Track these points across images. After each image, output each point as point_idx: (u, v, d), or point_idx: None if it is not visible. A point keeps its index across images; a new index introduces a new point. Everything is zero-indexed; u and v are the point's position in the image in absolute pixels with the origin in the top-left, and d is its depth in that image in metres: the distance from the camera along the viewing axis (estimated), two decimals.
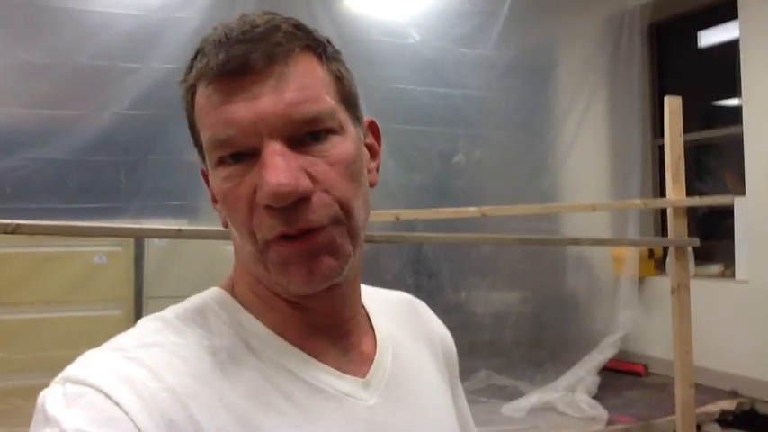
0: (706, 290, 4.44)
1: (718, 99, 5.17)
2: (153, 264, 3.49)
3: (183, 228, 2.35)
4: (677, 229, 3.17)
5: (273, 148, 0.61)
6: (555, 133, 4.67)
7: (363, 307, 0.80)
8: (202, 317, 0.68)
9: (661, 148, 3.33)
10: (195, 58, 0.66)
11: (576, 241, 2.76)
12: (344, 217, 0.65)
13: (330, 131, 0.65)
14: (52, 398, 0.57)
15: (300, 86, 0.63)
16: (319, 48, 0.68)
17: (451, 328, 3.39)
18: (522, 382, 4.24)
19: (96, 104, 3.35)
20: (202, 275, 2.89)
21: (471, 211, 2.68)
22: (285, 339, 0.69)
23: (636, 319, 4.51)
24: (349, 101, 0.70)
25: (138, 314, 3.34)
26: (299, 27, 0.66)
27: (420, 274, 4.13)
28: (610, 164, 4.99)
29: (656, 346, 4.65)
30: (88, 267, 3.39)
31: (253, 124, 0.61)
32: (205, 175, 0.72)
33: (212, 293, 0.72)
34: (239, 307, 0.70)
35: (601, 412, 3.81)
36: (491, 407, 3.99)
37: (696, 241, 3.22)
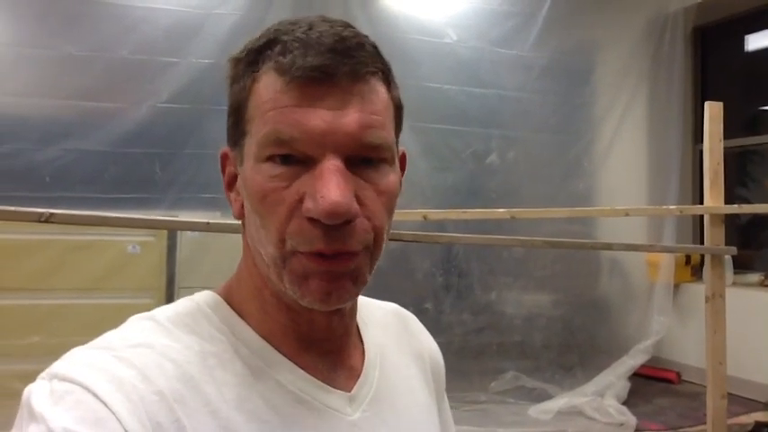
0: (744, 299, 4.35)
1: (763, 104, 5.04)
2: (185, 254, 3.54)
3: (211, 221, 2.39)
4: (714, 236, 3.10)
5: (334, 164, 0.60)
6: (592, 136, 4.61)
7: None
8: (194, 320, 0.67)
9: (702, 153, 3.26)
10: (268, 46, 0.63)
11: (608, 246, 2.71)
12: (374, 246, 0.65)
13: (384, 161, 0.65)
14: (38, 394, 0.56)
15: (373, 111, 0.63)
16: (389, 75, 0.68)
17: (480, 329, 3.39)
18: (550, 385, 4.20)
19: (134, 97, 3.42)
20: (233, 267, 2.91)
21: (500, 212, 2.66)
22: (275, 349, 0.68)
23: (669, 325, 4.43)
24: (399, 129, 0.70)
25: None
26: (376, 48, 0.66)
27: (450, 274, 4.12)
28: (648, 168, 4.90)
29: (690, 353, 4.56)
30: (122, 256, 3.45)
31: (321, 135, 0.60)
32: (224, 158, 0.71)
33: (205, 297, 0.71)
34: (232, 312, 0.69)
35: (629, 418, 3.76)
36: (518, 408, 3.98)
37: (733, 250, 3.15)
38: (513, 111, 4.18)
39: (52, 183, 3.25)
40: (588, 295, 4.76)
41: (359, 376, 0.73)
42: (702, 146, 3.13)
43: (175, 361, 0.62)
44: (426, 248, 3.97)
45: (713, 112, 3.15)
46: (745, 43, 5.02)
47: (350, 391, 0.71)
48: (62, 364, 0.59)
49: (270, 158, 0.62)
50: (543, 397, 4.08)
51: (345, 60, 0.61)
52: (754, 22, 4.83)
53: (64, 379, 0.57)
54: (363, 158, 0.62)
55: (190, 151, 3.45)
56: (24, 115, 3.34)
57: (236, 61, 0.67)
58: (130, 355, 0.60)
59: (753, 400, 4.12)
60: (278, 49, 0.62)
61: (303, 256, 0.61)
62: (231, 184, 0.71)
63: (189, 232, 3.47)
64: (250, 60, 0.65)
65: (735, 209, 3.20)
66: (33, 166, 3.24)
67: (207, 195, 3.50)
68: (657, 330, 4.37)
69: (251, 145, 0.63)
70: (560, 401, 3.96)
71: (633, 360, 4.26)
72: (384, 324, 0.84)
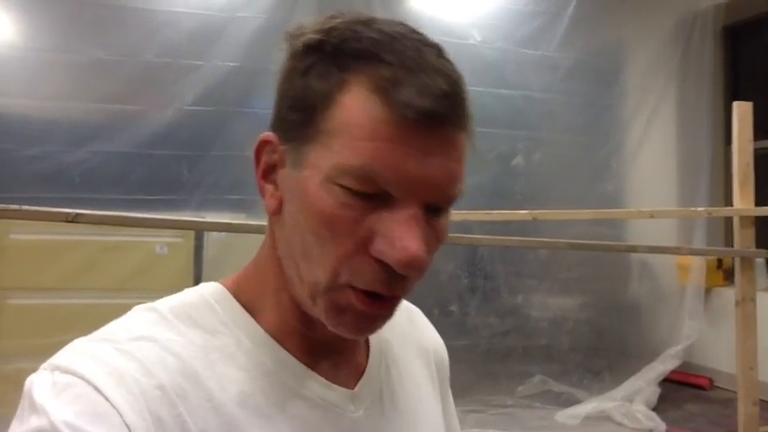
0: None
1: None
2: (212, 255, 3.58)
3: (233, 221, 2.42)
4: (744, 239, 3.04)
5: (417, 212, 0.58)
6: (620, 137, 4.56)
7: None
8: (198, 313, 0.66)
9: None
10: (364, 54, 0.58)
11: (632, 248, 2.67)
12: (416, 285, 0.63)
13: (448, 210, 0.63)
14: (40, 386, 0.56)
15: (460, 161, 0.60)
16: (473, 123, 0.64)
17: (506, 332, 3.37)
18: (578, 389, 4.15)
19: (160, 100, 3.48)
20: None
21: (523, 213, 2.63)
22: (279, 344, 0.67)
23: (701, 330, 4.35)
24: None
25: None
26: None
27: (475, 276, 4.10)
28: (678, 170, 4.82)
29: (723, 359, 4.47)
30: (150, 257, 3.50)
31: (417, 183, 0.57)
32: (265, 144, 0.65)
33: (211, 289, 0.69)
34: (238, 306, 0.68)
35: (658, 424, 3.70)
36: (545, 413, 3.93)
37: (764, 253, 3.09)
38: (538, 112, 4.15)
39: (81, 184, 3.32)
40: (617, 299, 4.70)
41: (362, 373, 0.73)
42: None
43: (178, 355, 0.61)
44: (451, 250, 3.95)
45: (742, 112, 3.10)
46: None
47: (353, 389, 0.70)
48: (64, 356, 0.58)
49: (344, 186, 0.58)
50: (571, 402, 4.03)
51: (456, 110, 0.58)
52: None
53: (66, 371, 0.56)
54: (436, 207, 0.60)
55: (215, 153, 3.50)
56: (54, 118, 3.42)
57: (310, 49, 0.61)
58: (133, 348, 0.59)
59: None
60: (384, 70, 0.57)
61: (354, 292, 0.60)
62: (268, 174, 0.66)
63: (215, 234, 3.51)
64: (336, 57, 0.59)
65: (766, 210, 3.13)
66: (63, 168, 3.31)
67: (233, 197, 3.54)
68: (688, 335, 4.28)
69: (323, 159, 0.59)
70: (588, 406, 3.91)
71: (663, 365, 4.18)
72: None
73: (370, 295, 0.60)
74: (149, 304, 0.66)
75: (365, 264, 0.58)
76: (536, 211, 2.63)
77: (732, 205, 3.06)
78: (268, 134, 0.65)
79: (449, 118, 0.57)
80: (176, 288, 0.68)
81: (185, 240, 3.56)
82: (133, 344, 0.60)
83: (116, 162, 3.39)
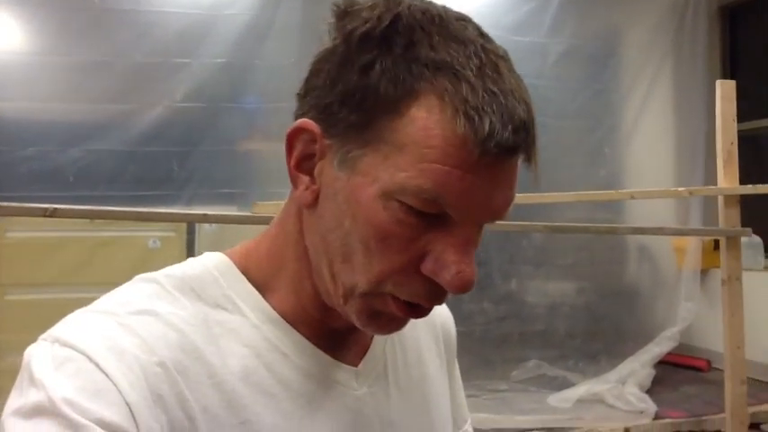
0: None
1: None
2: (203, 248, 3.62)
3: (208, 213, 2.48)
4: (729, 218, 3.04)
5: (474, 235, 0.57)
6: (614, 121, 4.54)
7: None
8: (200, 285, 0.64)
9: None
10: (442, 66, 0.55)
11: (612, 229, 2.68)
12: None
13: None
14: (39, 358, 0.55)
15: (516, 190, 0.59)
16: None
17: (502, 318, 3.42)
18: (573, 373, 4.18)
19: (150, 99, 3.56)
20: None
21: None
22: (285, 319, 0.65)
23: (699, 312, 4.33)
24: None
25: None
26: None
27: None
28: (674, 151, 4.79)
29: (720, 341, 4.44)
30: (143, 251, 3.59)
31: (478, 210, 0.56)
32: (303, 131, 0.60)
33: (215, 260, 0.67)
34: (243, 279, 0.66)
35: (650, 405, 3.71)
36: (539, 397, 3.97)
37: (748, 231, 3.08)
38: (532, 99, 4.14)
39: (75, 183, 3.42)
40: (614, 282, 4.70)
41: (367, 350, 0.72)
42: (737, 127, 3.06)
43: (180, 330, 0.60)
44: None
45: (725, 90, 3.09)
46: None
47: (357, 366, 0.69)
48: (64, 328, 0.58)
49: (403, 203, 0.55)
50: (565, 385, 4.06)
51: (531, 141, 0.56)
52: None
53: (66, 344, 0.55)
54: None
55: (205, 148, 3.57)
56: (48, 119, 3.53)
57: (381, 43, 0.56)
58: (133, 322, 0.58)
59: None
60: (464, 89, 0.53)
61: (393, 300, 0.59)
62: (304, 163, 0.62)
63: (206, 226, 3.59)
64: (407, 62, 0.55)
65: (750, 189, 3.12)
66: (58, 167, 3.41)
67: (224, 191, 3.62)
68: (684, 317, 4.27)
69: (384, 173, 0.56)
70: (581, 389, 3.93)
71: (659, 347, 4.19)
72: None
73: (410, 305, 0.59)
74: (150, 274, 0.65)
75: (413, 279, 0.58)
76: (516, 195, 2.64)
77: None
78: (308, 122, 0.60)
79: (523, 149, 0.56)
80: None
81: (177, 234, 3.64)
82: (134, 318, 0.59)
83: (109, 160, 3.48)
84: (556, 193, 2.88)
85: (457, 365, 0.89)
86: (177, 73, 3.54)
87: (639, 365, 4.09)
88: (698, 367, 4.54)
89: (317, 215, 0.61)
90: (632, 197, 2.88)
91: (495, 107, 0.53)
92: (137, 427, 0.53)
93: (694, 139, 4.49)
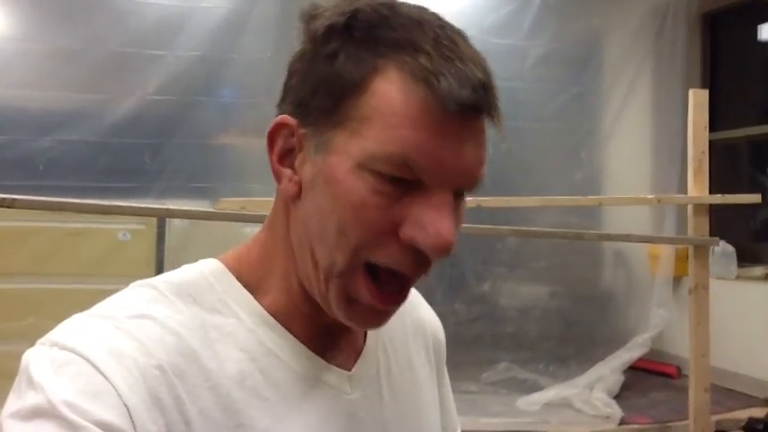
0: (749, 293, 4.25)
1: None
2: (174, 242, 3.63)
3: (170, 207, 2.47)
4: (697, 227, 3.05)
5: (449, 198, 0.59)
6: (592, 124, 4.55)
7: None
8: (197, 290, 0.65)
9: (711, 142, 3.20)
10: (401, 43, 0.58)
11: (579, 235, 2.68)
12: None
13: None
14: (38, 361, 0.55)
15: (485, 148, 0.61)
16: None
17: (473, 320, 3.40)
18: (543, 376, 4.19)
19: (124, 89, 3.54)
20: (218, 254, 3.00)
21: (467, 200, 2.64)
22: (279, 323, 0.66)
23: (669, 318, 4.35)
24: None
25: None
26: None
27: (441, 263, 4.12)
28: (652, 157, 4.79)
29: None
30: (113, 243, 3.57)
31: (453, 172, 0.58)
32: (282, 126, 0.64)
33: (210, 266, 0.68)
34: (237, 284, 0.67)
35: (616, 411, 3.73)
36: (508, 399, 3.97)
37: (716, 240, 3.10)
38: (507, 100, 4.08)
39: (46, 172, 3.39)
40: (587, 287, 4.71)
41: (360, 354, 0.72)
42: (715, 135, 3.07)
43: (177, 333, 0.60)
44: None
45: (698, 99, 3.09)
46: (759, 32, 4.86)
47: (350, 370, 0.70)
48: (63, 332, 0.58)
49: (376, 172, 0.58)
50: (535, 388, 4.06)
51: (491, 99, 0.59)
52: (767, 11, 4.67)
53: (64, 348, 0.56)
54: (460, 192, 0.61)
55: (177, 141, 3.55)
56: (20, 107, 3.50)
57: (334, 30, 0.60)
58: (132, 326, 0.59)
59: (753, 396, 4.03)
60: (423, 59, 0.57)
61: (366, 281, 0.60)
62: (284, 157, 0.65)
63: (177, 221, 3.58)
64: (367, 41, 0.59)
65: (718, 198, 3.13)
66: (28, 156, 3.39)
67: (196, 185, 3.60)
68: (656, 324, 4.28)
69: (354, 146, 0.58)
70: (549, 393, 3.94)
71: (629, 353, 4.20)
72: None
73: (392, 275, 0.60)
74: (148, 280, 0.66)
75: (391, 245, 0.59)
76: (480, 198, 2.65)
77: (710, 192, 3.05)
78: (285, 117, 0.63)
79: (485, 108, 0.58)
80: (139, 274, 0.68)
81: (148, 228, 3.62)
82: (132, 322, 0.59)
83: (80, 150, 3.46)
84: (523, 198, 2.88)
85: (446, 373, 0.90)
86: (152, 64, 3.51)
87: (609, 371, 4.10)
88: (668, 374, 4.56)
89: (301, 206, 0.63)
90: (600, 204, 2.89)
91: (452, 71, 0.56)
92: (135, 428, 0.53)
93: (671, 145, 4.50)
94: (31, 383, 0.54)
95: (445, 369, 0.90)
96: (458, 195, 0.61)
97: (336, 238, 0.60)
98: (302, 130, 0.62)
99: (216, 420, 0.59)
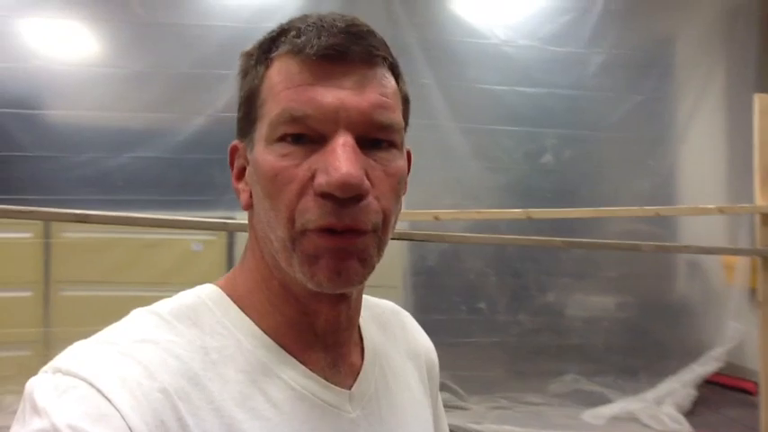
0: None
1: None
2: (241, 252, 3.78)
3: (228, 221, 2.60)
4: (765, 237, 2.94)
5: (347, 139, 0.61)
6: (658, 132, 4.41)
7: None
8: (196, 314, 0.67)
9: None
10: (282, 34, 0.66)
11: (635, 247, 2.62)
12: (382, 228, 0.65)
13: (393, 145, 0.66)
14: (42, 388, 0.56)
15: (384, 94, 0.65)
16: (397, 68, 0.70)
17: (538, 330, 3.40)
18: (611, 389, 4.08)
19: (194, 108, 3.74)
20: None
21: (516, 212, 2.66)
22: (278, 344, 0.68)
23: (746, 332, 4.15)
24: (406, 123, 0.71)
25: None
26: (385, 42, 0.68)
27: (504, 274, 4.12)
28: (726, 165, 4.60)
29: None
30: (186, 253, 3.77)
31: (334, 111, 0.61)
32: (234, 151, 0.72)
33: (207, 291, 0.71)
34: (235, 307, 0.69)
35: (684, 427, 3.60)
36: (573, 412, 3.90)
37: None
38: (567, 109, 4.11)
39: (123, 187, 3.64)
40: (658, 298, 4.56)
41: (358, 373, 0.74)
42: None
43: (179, 357, 0.62)
44: (479, 249, 4.01)
45: (763, 104, 2.99)
46: None
47: (350, 389, 0.71)
48: (66, 359, 0.59)
49: (281, 138, 0.63)
50: (603, 401, 3.98)
51: (359, 42, 0.63)
52: None
53: (68, 373, 0.57)
54: (374, 140, 0.64)
55: None
56: (99, 127, 3.76)
57: (249, 55, 0.69)
58: (134, 350, 0.60)
59: None
60: (292, 34, 0.64)
61: (313, 233, 0.62)
62: (240, 175, 0.72)
63: (245, 232, 3.72)
64: (263, 49, 0.67)
65: None
66: (107, 172, 3.64)
67: None
68: (732, 337, 4.11)
69: (262, 128, 0.65)
70: (615, 407, 3.85)
71: (703, 368, 4.04)
72: (382, 322, 0.85)
73: (327, 231, 0.62)
74: (148, 307, 0.68)
75: (310, 202, 0.62)
76: (531, 210, 2.65)
77: None
78: (234, 142, 0.72)
79: (350, 49, 0.63)
80: (212, 282, 0.73)
81: (219, 238, 3.80)
82: (135, 346, 0.61)
83: (154, 166, 3.68)
84: (575, 209, 2.85)
85: (439, 395, 0.92)
86: (219, 83, 3.69)
87: (680, 385, 3.96)
88: (746, 389, 4.35)
89: (255, 209, 0.69)
90: (657, 214, 2.82)
91: (313, 31, 0.63)
92: None
93: (746, 153, 4.31)
94: (36, 409, 0.54)
95: (438, 390, 0.92)
96: (372, 144, 0.64)
97: (273, 215, 0.64)
98: (242, 145, 0.70)
99: None
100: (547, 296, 4.25)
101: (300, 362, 0.68)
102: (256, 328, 0.68)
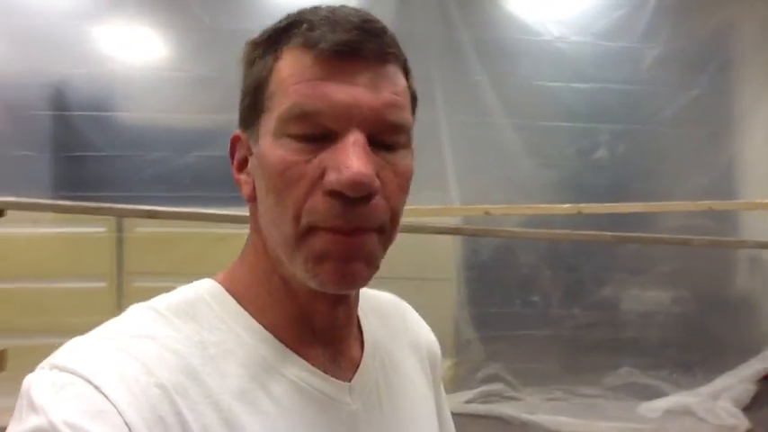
0: None
1: None
2: None
3: None
4: None
5: (358, 138, 0.60)
6: (716, 126, 4.36)
7: None
8: (194, 309, 0.66)
9: None
10: (293, 26, 0.64)
11: (686, 241, 2.63)
12: (390, 228, 0.65)
13: (402, 144, 0.65)
14: (39, 385, 0.56)
15: (396, 92, 0.63)
16: (407, 65, 0.68)
17: (592, 324, 3.45)
18: (667, 383, 4.07)
19: None
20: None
21: (566, 207, 2.71)
22: (277, 338, 0.67)
23: None
24: (414, 122, 0.70)
25: None
26: (395, 38, 0.67)
27: (557, 269, 4.15)
28: None
29: None
30: None
31: (347, 109, 0.60)
32: (235, 141, 0.71)
33: (206, 285, 0.70)
34: (233, 301, 0.68)
35: (742, 422, 3.57)
36: (628, 405, 3.92)
37: None
38: (621, 104, 4.11)
39: (191, 184, 3.82)
40: (716, 293, 4.49)
41: (358, 366, 0.73)
42: None
43: (177, 352, 0.61)
44: (532, 243, 4.05)
45: None
46: None
47: (350, 381, 0.70)
48: (63, 355, 0.59)
49: (290, 133, 0.61)
50: (658, 395, 3.97)
51: (373, 39, 0.62)
52: None
53: (64, 370, 0.57)
54: (383, 140, 0.63)
55: None
56: (167, 127, 3.98)
57: (255, 44, 0.67)
58: (132, 346, 0.60)
59: None
60: (304, 27, 0.62)
61: (321, 232, 0.61)
62: (242, 166, 0.70)
63: None
64: (272, 40, 0.65)
65: None
66: (175, 170, 3.84)
67: None
68: None
69: (270, 121, 0.63)
70: (671, 400, 3.84)
71: (762, 363, 3.98)
72: (383, 314, 0.84)
73: (335, 231, 0.61)
74: (146, 303, 0.67)
75: (319, 200, 0.60)
76: (581, 205, 2.69)
77: None
78: (235, 132, 0.71)
79: (364, 46, 0.61)
80: None
81: None
82: (132, 342, 0.60)
83: (219, 164, 3.82)
84: (627, 204, 2.87)
85: (442, 386, 0.91)
86: None
87: (738, 380, 3.92)
88: None
89: (258, 202, 0.67)
90: (710, 208, 2.82)
91: (327, 25, 0.62)
92: None
93: None
94: (32, 406, 0.54)
95: (441, 382, 0.90)
96: (385, 147, 0.63)
97: (279, 211, 0.63)
98: (245, 136, 0.69)
99: None
100: (602, 290, 4.25)
101: (299, 355, 0.68)
102: (254, 321, 0.67)
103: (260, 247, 0.69)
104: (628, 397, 4.02)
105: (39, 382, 0.56)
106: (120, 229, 3.93)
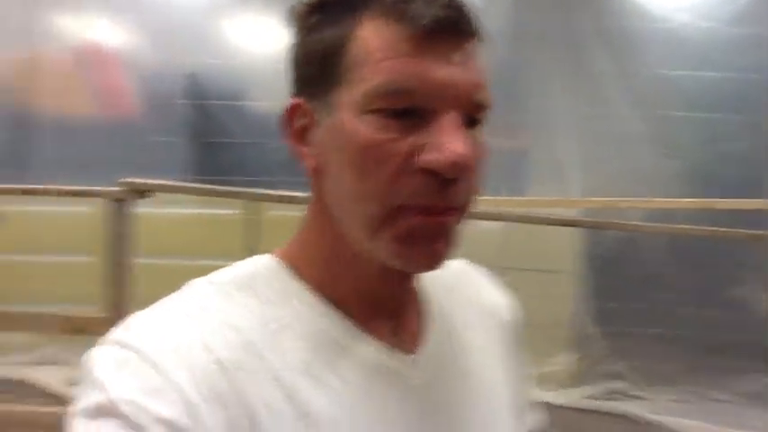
0: None
1: None
2: None
3: None
4: None
5: (456, 117, 0.59)
6: None
7: None
8: (253, 284, 0.66)
9: None
10: None
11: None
12: (469, 206, 0.64)
13: (482, 124, 0.64)
14: (100, 361, 0.57)
15: (482, 73, 0.63)
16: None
17: (724, 325, 3.24)
18: None
19: None
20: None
21: (696, 201, 2.58)
22: (338, 310, 0.67)
23: None
24: None
25: None
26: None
27: (683, 265, 3.96)
28: None
29: None
30: None
31: (444, 88, 0.59)
32: (295, 109, 0.66)
33: (263, 260, 0.70)
34: (292, 276, 0.67)
35: None
36: (764, 412, 3.65)
37: None
38: (753, 94, 3.93)
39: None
40: None
41: (422, 339, 0.72)
42: None
43: (236, 327, 0.61)
44: (656, 238, 3.88)
45: None
46: None
47: (413, 354, 0.70)
48: (124, 331, 0.60)
49: (377, 110, 0.59)
50: None
51: (464, 16, 0.61)
52: None
53: (125, 346, 0.58)
54: (471, 118, 0.62)
55: None
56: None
57: (318, 6, 0.64)
58: (191, 322, 0.60)
59: None
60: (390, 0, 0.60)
61: (410, 211, 0.60)
62: (301, 136, 0.66)
63: None
64: (345, 5, 0.63)
65: None
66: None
67: None
68: None
69: (352, 95, 0.60)
70: None
71: None
72: (448, 285, 0.81)
73: (426, 210, 0.60)
74: (206, 277, 0.67)
75: (413, 178, 0.59)
76: (712, 200, 2.54)
77: None
78: (293, 99, 0.66)
79: (459, 24, 0.60)
80: None
81: None
82: (191, 318, 0.61)
83: None
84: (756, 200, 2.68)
85: (521, 354, 0.87)
86: None
87: None
88: None
89: (327, 176, 0.64)
90: None
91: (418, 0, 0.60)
92: (196, 424, 0.54)
93: None
94: (94, 382, 0.55)
95: (519, 349, 0.86)
96: (468, 123, 0.61)
97: (362, 188, 0.60)
98: (309, 105, 0.65)
99: (282, 412, 0.59)
100: (732, 290, 4.02)
101: (362, 329, 0.67)
102: (314, 295, 0.67)
103: (327, 222, 0.66)
104: (764, 404, 3.74)
105: (100, 359, 0.57)
106: (251, 212, 4.08)
